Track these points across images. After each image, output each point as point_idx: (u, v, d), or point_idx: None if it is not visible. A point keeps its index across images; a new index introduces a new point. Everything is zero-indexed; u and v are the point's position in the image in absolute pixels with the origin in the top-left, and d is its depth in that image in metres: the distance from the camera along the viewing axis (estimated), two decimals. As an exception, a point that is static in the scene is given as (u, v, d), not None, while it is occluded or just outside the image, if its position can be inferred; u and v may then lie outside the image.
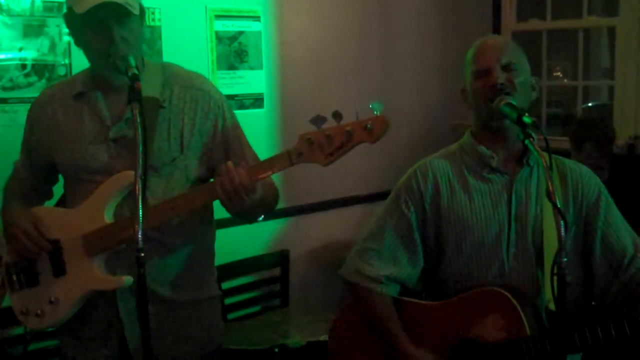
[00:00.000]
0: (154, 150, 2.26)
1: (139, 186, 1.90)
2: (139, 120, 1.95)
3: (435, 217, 2.26)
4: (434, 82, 5.17)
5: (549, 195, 1.86)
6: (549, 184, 1.87)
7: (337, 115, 2.00)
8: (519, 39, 5.14)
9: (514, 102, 2.08)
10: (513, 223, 2.20)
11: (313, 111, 2.15)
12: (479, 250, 2.21)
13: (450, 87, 5.22)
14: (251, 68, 4.21)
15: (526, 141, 1.99)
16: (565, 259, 1.83)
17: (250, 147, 2.45)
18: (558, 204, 1.85)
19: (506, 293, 2.08)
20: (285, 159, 2.09)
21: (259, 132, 4.15)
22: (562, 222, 1.84)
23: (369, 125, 1.99)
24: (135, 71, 2.10)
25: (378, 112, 2.00)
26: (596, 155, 4.03)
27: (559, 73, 6.42)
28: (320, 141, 2.02)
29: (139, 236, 1.87)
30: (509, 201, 2.21)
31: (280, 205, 4.22)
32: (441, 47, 5.20)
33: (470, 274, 2.22)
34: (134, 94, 2.01)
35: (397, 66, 5.01)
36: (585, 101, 5.60)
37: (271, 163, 2.12)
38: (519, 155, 2.22)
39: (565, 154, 4.07)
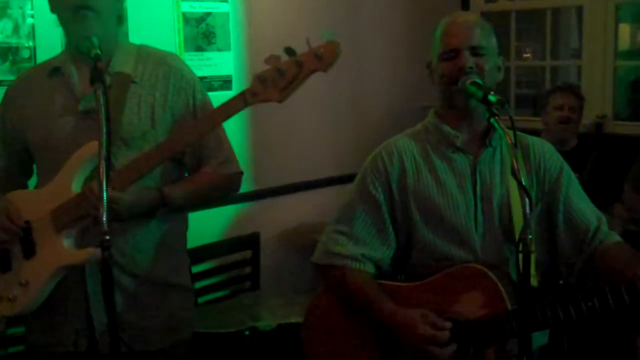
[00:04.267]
0: (123, 124, 2.27)
1: (102, 169, 1.85)
2: (102, 101, 1.91)
3: (402, 197, 2.24)
4: (403, 64, 5.16)
5: (514, 173, 1.86)
6: (514, 162, 1.87)
7: (289, 51, 2.01)
8: (487, 19, 5.10)
9: (479, 81, 2.07)
10: (479, 203, 2.20)
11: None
12: (448, 231, 2.20)
13: (419, 68, 5.20)
14: (219, 50, 4.18)
15: (492, 119, 1.99)
16: (530, 237, 1.84)
17: (220, 130, 2.44)
18: (523, 181, 1.86)
19: (484, 269, 2.08)
20: (240, 100, 2.10)
21: (228, 114, 4.11)
22: (527, 200, 1.84)
23: (319, 53, 2.00)
24: (98, 51, 2.09)
25: (328, 40, 2.02)
26: (563, 102, 4.16)
27: (529, 54, 6.44)
28: (273, 77, 2.03)
29: (104, 219, 1.81)
30: (474, 181, 2.21)
31: (251, 188, 4.26)
32: (410, 28, 5.19)
33: (441, 254, 2.20)
34: (97, 74, 1.97)
35: (366, 47, 5.00)
36: (554, 81, 5.62)
37: (226, 107, 2.13)
38: (482, 135, 2.21)
39: (535, 133, 4.10)
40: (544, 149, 2.27)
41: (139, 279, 2.35)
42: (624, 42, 7.57)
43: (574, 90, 4.28)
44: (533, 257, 1.89)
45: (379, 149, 2.31)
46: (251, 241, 4.33)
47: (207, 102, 2.43)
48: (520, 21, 5.47)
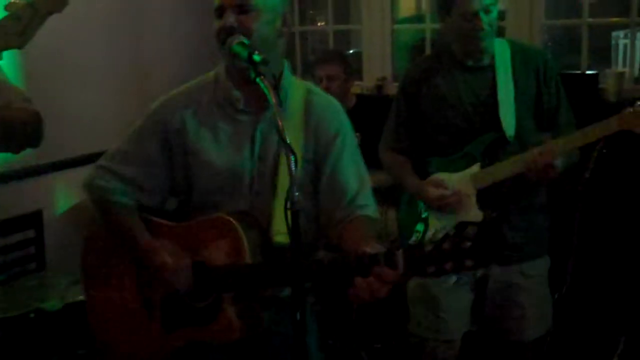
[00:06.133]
0: None
1: None
2: None
3: (180, 150, 2.25)
4: (188, 24, 5.12)
5: (277, 129, 1.87)
6: (277, 118, 1.88)
7: None
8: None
9: (246, 42, 2.05)
10: (257, 163, 2.22)
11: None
12: (224, 187, 2.22)
13: (205, 30, 5.18)
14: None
15: (257, 79, 1.98)
16: (297, 194, 1.84)
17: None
18: (287, 139, 1.86)
19: (232, 220, 2.12)
20: None
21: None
22: (292, 157, 1.84)
23: None
24: None
25: None
26: (319, 74, 4.27)
27: (323, 22, 6.56)
28: (11, 24, 2.02)
29: None
30: (253, 142, 2.22)
31: (31, 162, 4.05)
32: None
33: (217, 207, 2.21)
34: None
35: (149, 13, 4.94)
36: (346, 47, 5.78)
37: None
38: (266, 96, 2.19)
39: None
40: (328, 110, 2.29)
41: None
42: (409, 9, 7.95)
43: (330, 59, 4.35)
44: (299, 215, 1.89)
45: (163, 100, 2.31)
46: (33, 220, 4.16)
47: None
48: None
